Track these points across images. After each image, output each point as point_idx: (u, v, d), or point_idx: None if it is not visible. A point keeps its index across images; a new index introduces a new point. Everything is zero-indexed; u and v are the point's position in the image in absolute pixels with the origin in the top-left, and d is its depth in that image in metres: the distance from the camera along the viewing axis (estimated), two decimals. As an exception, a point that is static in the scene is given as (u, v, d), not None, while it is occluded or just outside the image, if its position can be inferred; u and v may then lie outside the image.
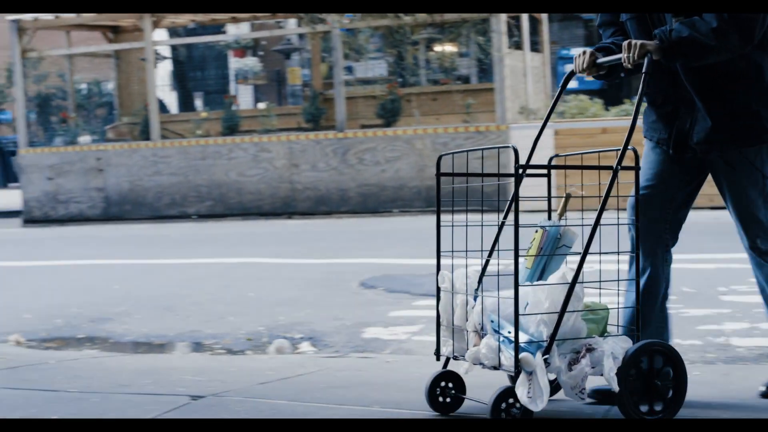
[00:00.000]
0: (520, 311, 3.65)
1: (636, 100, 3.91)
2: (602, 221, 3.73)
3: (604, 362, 3.69)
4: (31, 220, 16.59)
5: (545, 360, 3.63)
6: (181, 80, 22.44)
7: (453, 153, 4.01)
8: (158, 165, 15.85)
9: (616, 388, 3.65)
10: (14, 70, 17.28)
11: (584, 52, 4.07)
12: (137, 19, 16.49)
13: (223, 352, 6.03)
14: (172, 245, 12.36)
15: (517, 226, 3.59)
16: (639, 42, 3.84)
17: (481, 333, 3.81)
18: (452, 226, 3.89)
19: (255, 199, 15.19)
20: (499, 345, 3.69)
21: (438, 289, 3.97)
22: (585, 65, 4.04)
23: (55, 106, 21.41)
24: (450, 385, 3.92)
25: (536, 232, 3.99)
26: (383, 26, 15.93)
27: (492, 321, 3.77)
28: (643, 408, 3.71)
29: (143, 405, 4.14)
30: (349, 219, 14.51)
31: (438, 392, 3.89)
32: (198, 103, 23.04)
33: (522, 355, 3.61)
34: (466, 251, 3.86)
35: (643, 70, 3.83)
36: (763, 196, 3.98)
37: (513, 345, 3.61)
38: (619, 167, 3.74)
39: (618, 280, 3.87)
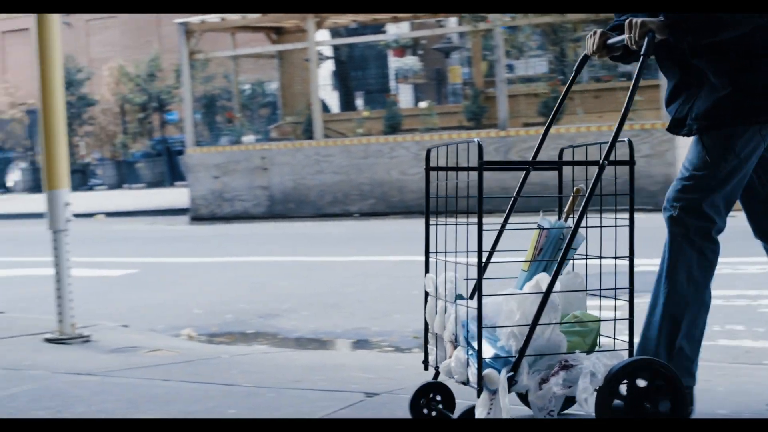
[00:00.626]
0: (498, 322, 3.36)
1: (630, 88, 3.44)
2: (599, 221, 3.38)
3: (579, 382, 3.28)
4: (197, 218, 16.95)
5: (511, 378, 3.26)
6: (343, 80, 22.70)
7: (438, 146, 3.65)
8: (321, 164, 15.99)
9: (587, 411, 3.24)
10: (182, 71, 17.70)
11: (595, 33, 3.65)
12: (300, 20, 16.68)
13: (390, 349, 6.01)
14: (335, 243, 12.43)
15: (480, 226, 3.23)
16: (640, 20, 3.41)
17: (455, 343, 3.46)
18: (438, 224, 3.55)
19: (417, 197, 15.15)
20: (468, 358, 3.34)
21: (426, 294, 3.62)
22: (595, 47, 3.65)
23: (220, 107, 21.98)
24: (438, 397, 3.60)
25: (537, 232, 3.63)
26: (545, 23, 15.74)
27: (468, 331, 3.39)
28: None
29: (317, 401, 4.13)
30: (513, 217, 14.28)
31: (422, 403, 3.58)
32: (359, 102, 23.24)
33: (486, 371, 3.26)
34: (445, 252, 3.51)
35: (642, 53, 3.41)
36: None
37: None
38: (606, 162, 3.34)
39: (616, 288, 3.37)
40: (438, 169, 3.59)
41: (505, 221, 3.70)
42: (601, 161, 3.35)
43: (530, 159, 3.75)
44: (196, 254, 11.71)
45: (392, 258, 10.21)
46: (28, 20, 15.57)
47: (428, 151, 3.58)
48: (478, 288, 3.35)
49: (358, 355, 6.06)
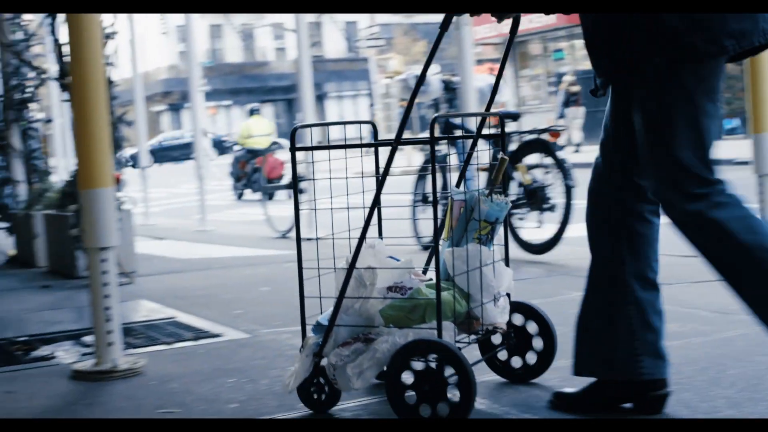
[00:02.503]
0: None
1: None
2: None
3: (359, 357, 3.47)
4: None
5: (321, 345, 3.56)
6: None
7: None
8: None
9: (353, 387, 3.46)
10: None
11: None
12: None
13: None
14: None
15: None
16: None
17: None
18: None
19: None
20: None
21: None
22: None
23: None
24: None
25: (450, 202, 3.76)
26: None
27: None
28: (425, 411, 3.34)
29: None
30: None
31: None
32: None
33: (307, 337, 3.64)
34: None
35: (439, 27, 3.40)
36: None
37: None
38: (397, 144, 3.45)
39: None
40: (331, 147, 3.74)
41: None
42: (393, 142, 3.45)
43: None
44: None
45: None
46: None
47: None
48: (298, 260, 3.63)
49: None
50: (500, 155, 3.69)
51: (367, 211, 3.57)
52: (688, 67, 3.11)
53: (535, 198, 7.76)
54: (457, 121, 8.55)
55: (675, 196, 3.17)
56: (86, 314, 5.66)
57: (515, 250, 7.93)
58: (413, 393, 3.37)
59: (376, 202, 3.61)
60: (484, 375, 3.90)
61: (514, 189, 7.89)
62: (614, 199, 3.38)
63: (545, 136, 7.79)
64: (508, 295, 3.79)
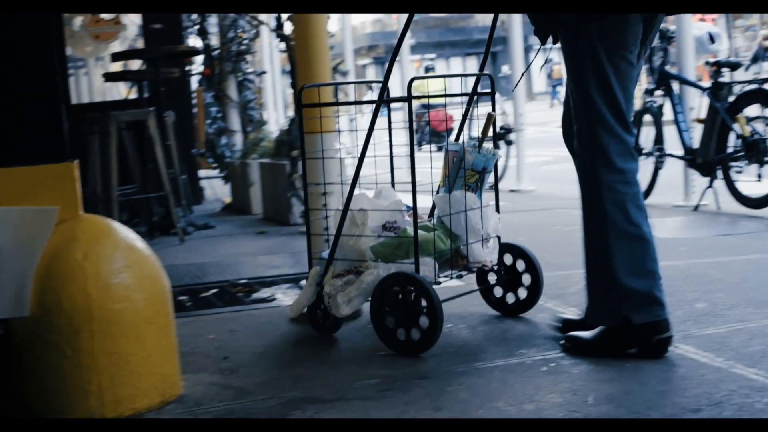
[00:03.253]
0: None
1: None
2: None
3: (349, 287, 3.99)
4: None
5: (322, 276, 4.13)
6: None
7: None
8: None
9: (334, 313, 4.01)
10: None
11: None
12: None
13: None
14: None
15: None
16: None
17: None
18: None
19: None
20: None
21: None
22: None
23: None
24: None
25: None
26: None
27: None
28: (401, 335, 3.85)
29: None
30: None
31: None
32: None
33: (312, 268, 4.25)
34: None
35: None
36: None
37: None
38: (381, 102, 3.97)
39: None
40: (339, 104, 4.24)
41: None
42: (377, 101, 3.99)
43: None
44: None
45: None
46: None
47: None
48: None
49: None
50: (489, 112, 4.17)
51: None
52: (593, 23, 3.50)
53: (754, 150, 7.45)
54: (674, 71, 8.28)
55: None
56: (301, 259, 5.82)
57: (732, 204, 7.68)
58: (392, 318, 3.87)
59: (363, 154, 4.01)
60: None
61: (732, 141, 7.62)
62: None
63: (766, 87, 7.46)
64: (499, 237, 4.28)
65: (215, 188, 11.69)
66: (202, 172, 12.24)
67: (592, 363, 3.56)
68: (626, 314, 3.56)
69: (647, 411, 3.00)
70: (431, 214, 4.34)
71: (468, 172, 4.16)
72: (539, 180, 11.62)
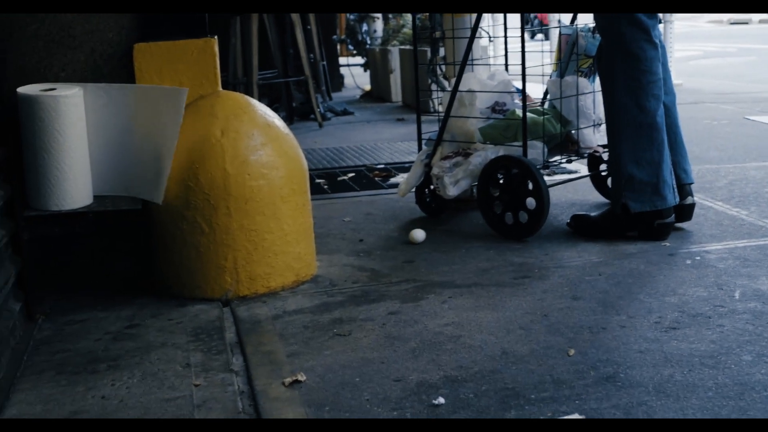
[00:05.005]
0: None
1: None
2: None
3: (456, 169, 3.97)
4: None
5: (430, 156, 4.14)
6: None
7: None
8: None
9: (442, 194, 3.98)
10: None
11: None
12: None
13: None
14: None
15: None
16: None
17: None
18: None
19: None
20: None
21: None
22: None
23: None
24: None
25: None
26: None
27: None
28: (509, 219, 3.84)
29: None
30: None
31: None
32: None
33: (422, 149, 4.27)
34: None
35: None
36: None
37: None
38: None
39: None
40: None
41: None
42: None
43: None
44: None
45: None
46: None
47: None
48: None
49: None
50: None
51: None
52: None
53: None
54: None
55: None
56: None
57: None
58: (499, 202, 3.87)
59: (473, 36, 3.98)
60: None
61: None
62: None
63: None
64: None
65: (355, 76, 11.64)
66: (342, 60, 12.20)
67: (739, 258, 3.40)
68: (625, 202, 3.65)
69: (799, 309, 2.85)
70: (544, 99, 4.27)
71: (581, 57, 4.08)
72: (687, 74, 11.23)
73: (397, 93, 9.55)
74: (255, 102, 3.39)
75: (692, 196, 3.87)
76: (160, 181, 3.14)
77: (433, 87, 7.76)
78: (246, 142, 3.20)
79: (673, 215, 3.71)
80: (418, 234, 3.82)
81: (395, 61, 9.47)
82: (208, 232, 3.16)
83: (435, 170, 4.03)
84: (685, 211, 3.85)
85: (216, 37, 3.42)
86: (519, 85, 3.96)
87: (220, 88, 3.40)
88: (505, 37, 4.53)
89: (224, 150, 3.16)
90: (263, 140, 3.24)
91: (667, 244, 3.64)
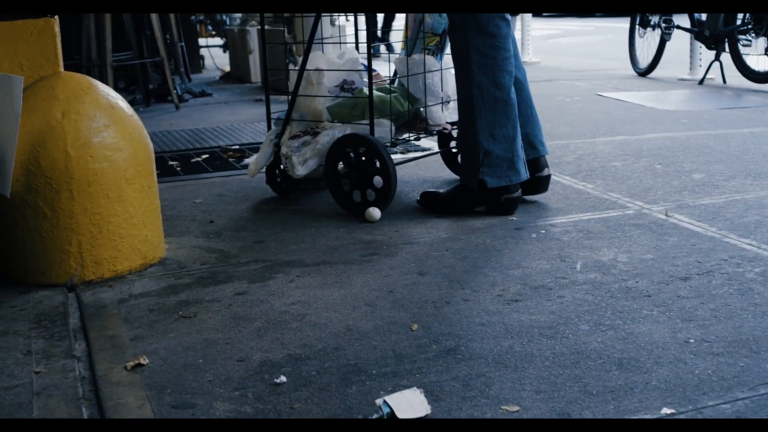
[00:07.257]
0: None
1: None
2: None
3: (303, 148, 3.98)
4: None
5: (278, 136, 4.12)
6: None
7: None
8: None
9: (291, 173, 3.96)
10: None
11: None
12: None
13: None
14: None
15: None
16: None
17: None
18: None
19: None
20: None
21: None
22: None
23: None
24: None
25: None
26: None
27: None
28: (357, 197, 3.88)
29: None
30: None
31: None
32: None
33: (271, 129, 4.24)
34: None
35: None
36: None
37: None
38: None
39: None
40: None
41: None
42: None
43: None
44: None
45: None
46: None
47: None
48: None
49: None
50: None
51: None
52: None
53: (762, 23, 7.28)
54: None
55: None
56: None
57: (738, 78, 7.54)
58: (347, 180, 3.87)
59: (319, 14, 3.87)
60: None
61: (740, 14, 7.43)
62: None
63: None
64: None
65: (215, 57, 11.52)
66: (202, 41, 12.05)
67: (583, 231, 3.50)
68: (482, 178, 3.70)
69: (634, 279, 2.94)
70: (393, 78, 4.31)
71: (428, 35, 4.13)
72: (544, 52, 11.45)
73: (256, 74, 9.49)
74: (98, 83, 3.33)
75: (548, 167, 3.95)
76: (5, 174, 3.06)
77: (291, 66, 7.72)
78: (88, 124, 3.14)
79: (520, 190, 3.78)
80: (376, 212, 3.80)
81: (254, 42, 9.41)
82: (51, 217, 3.10)
83: (283, 150, 4.03)
84: (542, 183, 3.95)
85: (57, 17, 3.34)
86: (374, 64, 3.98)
87: (62, 70, 3.32)
88: (355, 16, 4.53)
89: (65, 132, 3.09)
90: (106, 122, 3.18)
91: (515, 218, 3.72)
